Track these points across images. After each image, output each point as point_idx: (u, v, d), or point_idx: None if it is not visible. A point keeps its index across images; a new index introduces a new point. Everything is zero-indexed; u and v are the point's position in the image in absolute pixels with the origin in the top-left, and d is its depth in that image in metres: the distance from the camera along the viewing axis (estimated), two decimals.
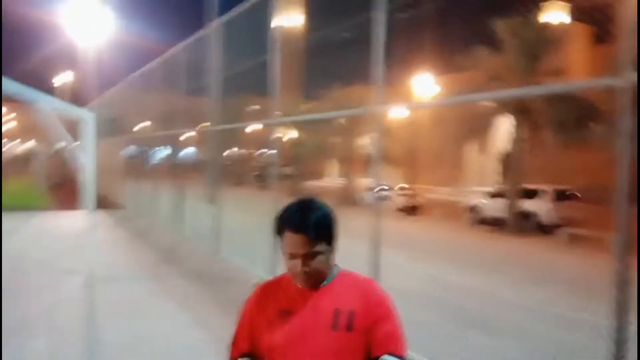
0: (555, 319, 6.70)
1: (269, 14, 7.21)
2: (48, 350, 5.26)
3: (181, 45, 11.60)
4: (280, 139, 7.67)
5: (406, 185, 22.72)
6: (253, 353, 1.80)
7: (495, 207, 17.92)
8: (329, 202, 1.84)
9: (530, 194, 17.19)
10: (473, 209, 19.19)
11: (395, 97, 5.74)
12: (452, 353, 5.24)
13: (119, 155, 18.63)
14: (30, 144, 31.92)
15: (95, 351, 4.57)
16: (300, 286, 1.73)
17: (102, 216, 15.50)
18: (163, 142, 14.36)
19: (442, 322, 6.32)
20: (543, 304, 7.57)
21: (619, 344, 3.05)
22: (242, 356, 1.81)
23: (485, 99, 16.11)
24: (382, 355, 1.65)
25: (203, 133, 11.65)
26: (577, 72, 18.33)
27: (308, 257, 1.67)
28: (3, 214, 9.77)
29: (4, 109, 50.46)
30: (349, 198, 21.32)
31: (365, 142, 22.58)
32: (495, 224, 17.50)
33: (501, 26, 16.90)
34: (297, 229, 1.67)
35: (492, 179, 19.63)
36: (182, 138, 13.24)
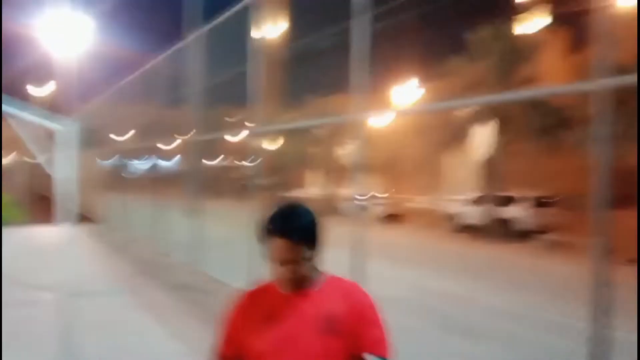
0: (538, 324, 6.76)
1: (249, 24, 7.21)
2: None
3: (162, 56, 11.54)
4: (260, 149, 7.66)
5: (386, 194, 22.81)
6: (237, 359, 1.79)
7: (475, 215, 18.10)
8: None
9: (509, 201, 17.40)
10: (453, 216, 19.35)
11: (375, 106, 5.77)
12: (437, 359, 5.24)
13: (99, 167, 18.41)
14: (11, 157, 31.30)
15: None
16: (285, 291, 1.73)
17: (82, 229, 15.29)
18: (144, 153, 14.23)
19: (427, 329, 6.34)
20: (526, 309, 7.64)
21: (599, 347, 3.08)
22: None
23: (464, 106, 16.30)
24: (366, 357, 1.66)
25: (183, 144, 11.58)
26: (555, 79, 18.64)
27: (293, 262, 1.67)
28: None
29: None
30: (330, 207, 21.33)
31: (346, 151, 22.67)
32: (475, 231, 17.66)
33: (478, 35, 17.18)
34: (282, 234, 1.67)
35: (471, 187, 19.81)
36: (162, 149, 13.14)
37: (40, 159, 19.94)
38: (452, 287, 8.84)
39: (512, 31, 17.96)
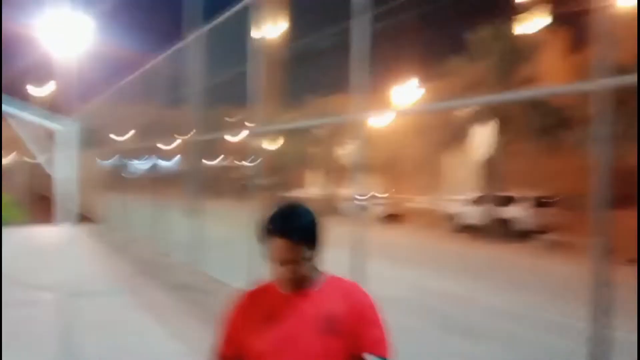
0: (538, 324, 6.76)
1: (249, 24, 7.21)
2: None
3: (162, 56, 11.54)
4: (261, 149, 7.66)
5: (387, 194, 22.81)
6: (236, 359, 1.79)
7: (475, 215, 18.09)
8: None
9: (509, 201, 17.40)
10: (453, 216, 19.34)
11: (375, 105, 5.77)
12: (437, 359, 5.25)
13: (100, 167, 18.42)
14: (11, 157, 31.28)
15: None
16: (285, 291, 1.73)
17: (82, 230, 15.29)
18: (144, 153, 14.23)
19: (426, 328, 6.34)
20: (525, 309, 7.65)
21: (599, 346, 3.09)
22: None
23: (463, 106, 16.30)
24: (366, 357, 1.66)
25: (183, 144, 11.58)
26: (555, 79, 18.65)
27: (293, 262, 1.67)
28: None
29: None
30: (330, 207, 21.32)
31: (346, 151, 22.67)
32: (475, 231, 17.66)
33: (478, 35, 17.18)
34: (282, 234, 1.67)
35: (471, 187, 19.81)
36: (162, 149, 13.14)
37: (41, 159, 19.95)
38: (452, 287, 8.84)
39: (512, 31, 17.97)
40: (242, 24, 7.33)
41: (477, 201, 18.49)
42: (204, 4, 9.36)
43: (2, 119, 17.77)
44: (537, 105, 15.75)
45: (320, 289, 1.75)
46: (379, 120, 16.96)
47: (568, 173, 15.37)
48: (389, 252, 10.47)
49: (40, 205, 20.10)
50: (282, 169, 24.63)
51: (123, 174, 15.87)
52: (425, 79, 20.43)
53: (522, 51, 17.25)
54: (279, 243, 1.67)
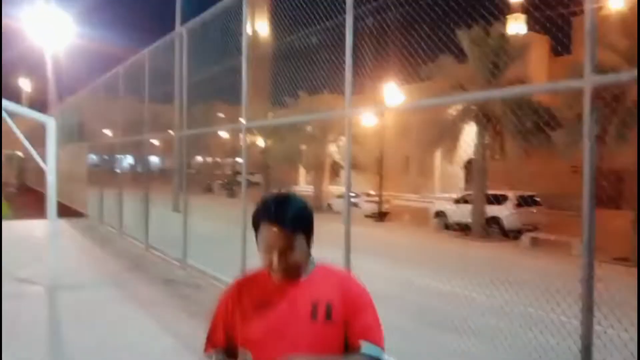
0: (524, 320, 6.84)
1: (237, 21, 7.20)
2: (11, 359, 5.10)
3: (146, 51, 11.45)
4: (250, 146, 7.66)
5: (376, 192, 22.90)
6: (228, 347, 1.79)
7: (461, 213, 18.24)
8: None
9: (495, 200, 17.55)
10: (439, 214, 19.48)
11: (364, 103, 5.80)
12: (424, 354, 5.29)
13: (83, 162, 18.27)
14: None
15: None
16: (277, 279, 1.73)
17: (64, 225, 15.14)
18: (128, 149, 14.14)
19: (414, 325, 6.38)
20: (511, 305, 7.72)
21: (583, 339, 3.14)
22: (217, 351, 1.81)
23: (452, 102, 16.38)
24: (360, 343, 1.67)
25: (169, 140, 11.53)
26: (538, 80, 18.81)
27: (285, 249, 1.67)
28: None
29: None
30: (318, 205, 21.35)
31: (334, 149, 22.69)
32: (461, 229, 17.82)
33: (465, 36, 17.26)
34: (274, 221, 1.67)
35: (458, 186, 19.94)
36: (150, 144, 13.07)
37: (29, 153, 19.70)
38: (440, 284, 8.91)
39: (500, 32, 18.08)
40: (231, 19, 7.32)
41: (465, 199, 18.63)
42: None
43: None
44: (523, 106, 15.89)
45: (311, 277, 1.75)
46: (368, 119, 17.00)
47: (554, 172, 15.57)
48: (377, 249, 10.51)
49: (19, 200, 19.90)
50: (270, 166, 24.59)
51: (110, 169, 15.77)
52: (413, 79, 20.48)
53: (507, 52, 17.37)
54: (271, 231, 1.67)
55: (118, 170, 14.99)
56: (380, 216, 21.17)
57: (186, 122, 9.81)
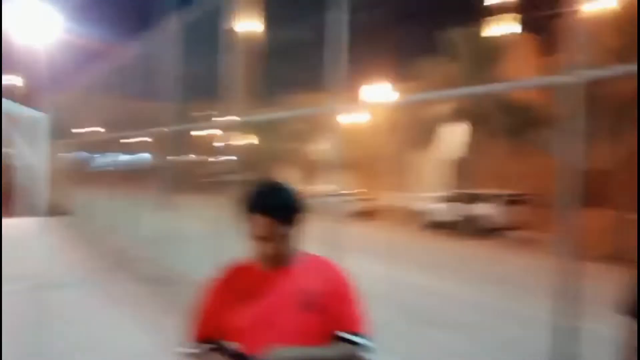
0: (506, 315, 6.91)
1: (226, 16, 7.15)
2: None
3: (134, 47, 11.35)
4: (235, 144, 7.62)
5: (359, 191, 22.92)
6: (214, 337, 1.77)
7: (446, 212, 18.36)
8: None
9: (477, 198, 17.70)
10: (424, 213, 19.58)
11: (349, 101, 5.80)
12: (407, 349, 5.30)
13: (70, 159, 18.07)
14: None
15: (43, 357, 4.41)
16: (264, 268, 1.72)
17: (51, 222, 14.99)
18: (115, 146, 14.00)
19: (398, 320, 6.39)
20: (494, 301, 7.81)
21: (564, 337, 3.17)
22: (203, 341, 1.78)
23: (437, 98, 16.44)
24: (345, 331, 1.66)
25: (156, 137, 11.43)
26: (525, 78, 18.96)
27: (273, 238, 1.67)
28: None
29: None
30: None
31: (321, 147, 22.67)
32: (445, 227, 17.93)
33: (452, 36, 17.37)
34: (263, 210, 1.67)
35: (442, 185, 20.06)
36: (134, 142, 12.95)
37: (13, 150, 19.42)
38: (424, 280, 8.97)
39: (485, 33, 18.23)
40: (217, 15, 7.26)
41: (448, 199, 18.74)
42: None
43: None
44: (506, 105, 16.03)
45: (299, 267, 1.75)
46: (352, 118, 17.02)
47: (536, 171, 15.71)
48: (362, 247, 10.53)
49: (6, 197, 19.57)
50: (256, 164, 24.50)
51: (94, 167, 15.61)
52: (400, 78, 20.57)
53: (494, 52, 17.50)
54: (259, 220, 1.67)
55: (102, 168, 14.83)
56: (366, 214, 21.21)
57: (174, 119, 9.73)
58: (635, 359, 2.09)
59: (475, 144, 17.91)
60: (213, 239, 7.43)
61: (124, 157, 13.56)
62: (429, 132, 18.28)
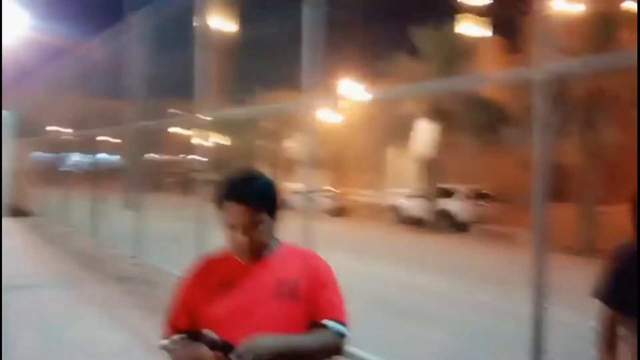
0: (476, 307, 7.05)
1: (198, 12, 7.08)
2: None
3: (99, 43, 11.14)
4: (207, 142, 7.57)
5: (333, 188, 22.99)
6: (190, 329, 1.73)
7: (415, 207, 18.61)
8: None
9: (448, 194, 17.98)
10: (395, 209, 19.79)
11: (322, 97, 5.83)
12: (380, 342, 5.36)
13: (36, 159, 17.67)
14: None
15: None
16: (241, 258, 1.70)
17: (11, 223, 14.62)
18: (79, 145, 13.75)
19: (371, 314, 6.46)
20: (464, 294, 7.96)
21: (536, 328, 3.27)
22: (177, 332, 1.75)
23: (406, 93, 16.56)
24: (324, 320, 1.67)
25: (122, 135, 11.26)
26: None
27: (249, 227, 1.65)
28: None
29: None
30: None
31: (293, 145, 22.65)
32: (415, 222, 18.17)
33: (420, 35, 17.56)
34: (238, 198, 1.65)
35: (414, 181, 20.27)
36: (103, 141, 12.74)
37: None
38: (395, 274, 9.08)
39: (456, 31, 18.45)
40: (188, 11, 7.20)
41: (419, 194, 18.96)
42: None
43: None
44: (475, 103, 16.27)
45: (276, 256, 1.74)
46: (325, 116, 17.04)
47: (505, 168, 16.01)
48: (335, 243, 10.58)
49: None
50: (230, 162, 24.31)
51: (61, 166, 15.30)
52: (370, 76, 20.68)
53: (463, 51, 17.72)
54: (235, 208, 1.64)
55: (70, 168, 14.56)
56: (338, 211, 21.30)
57: (141, 116, 9.60)
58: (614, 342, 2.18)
59: (446, 141, 18.12)
60: (183, 235, 7.39)
61: (92, 157, 13.32)
62: (401, 130, 18.43)
